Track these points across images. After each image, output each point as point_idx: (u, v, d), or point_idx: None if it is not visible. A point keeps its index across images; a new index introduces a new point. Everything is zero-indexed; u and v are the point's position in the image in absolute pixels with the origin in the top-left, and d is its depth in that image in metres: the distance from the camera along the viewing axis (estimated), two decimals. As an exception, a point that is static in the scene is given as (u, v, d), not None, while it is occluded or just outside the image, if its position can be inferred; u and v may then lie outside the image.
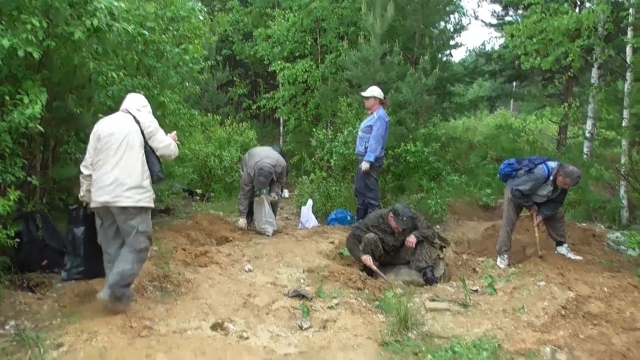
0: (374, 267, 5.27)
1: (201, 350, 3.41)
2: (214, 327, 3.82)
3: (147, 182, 3.81)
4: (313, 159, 8.64)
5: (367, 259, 5.26)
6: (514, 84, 18.31)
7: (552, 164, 5.36)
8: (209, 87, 15.27)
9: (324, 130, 8.70)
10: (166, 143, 3.96)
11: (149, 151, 3.87)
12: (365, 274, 5.13)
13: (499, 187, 8.95)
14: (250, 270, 5.06)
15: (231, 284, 4.63)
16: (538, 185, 5.37)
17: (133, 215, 3.75)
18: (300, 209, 7.46)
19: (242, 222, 7.00)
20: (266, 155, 6.80)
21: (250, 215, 6.98)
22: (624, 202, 7.31)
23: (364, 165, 6.73)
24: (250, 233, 6.76)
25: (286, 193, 9.52)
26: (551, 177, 5.32)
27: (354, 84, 10.05)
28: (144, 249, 3.84)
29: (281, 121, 14.84)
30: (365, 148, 6.78)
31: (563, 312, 3.86)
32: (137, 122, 3.86)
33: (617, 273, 4.92)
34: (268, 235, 6.53)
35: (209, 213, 7.72)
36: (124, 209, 3.72)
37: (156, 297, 4.23)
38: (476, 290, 4.73)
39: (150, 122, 3.92)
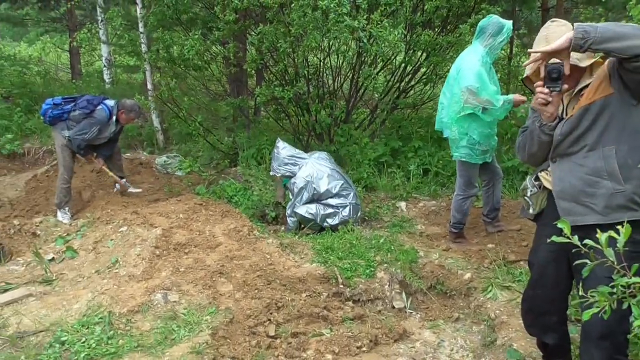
0: None
1: None
2: None
3: None
4: None
5: None
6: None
7: (110, 103, 5.08)
8: None
9: None
10: None
11: None
12: None
13: (21, 130, 7.78)
14: None
15: None
16: (103, 128, 5.02)
17: None
18: None
19: None
20: None
21: None
22: (157, 125, 7.68)
23: None
24: None
25: None
26: (114, 117, 5.07)
27: None
28: None
29: None
30: None
31: (157, 252, 3.79)
32: None
33: (181, 196, 5.22)
34: None
35: None
36: None
37: None
38: (53, 259, 4.02)
39: None
